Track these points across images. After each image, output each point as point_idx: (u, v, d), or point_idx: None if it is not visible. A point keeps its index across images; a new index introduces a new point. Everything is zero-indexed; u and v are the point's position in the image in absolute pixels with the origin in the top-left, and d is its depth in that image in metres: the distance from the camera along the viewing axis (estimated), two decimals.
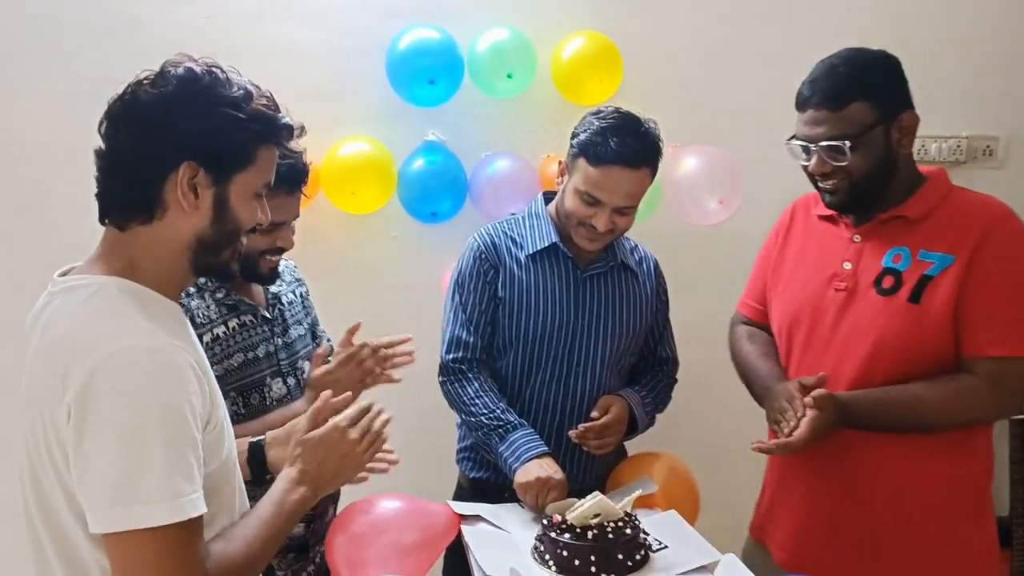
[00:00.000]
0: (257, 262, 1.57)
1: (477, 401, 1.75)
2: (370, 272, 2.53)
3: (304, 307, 1.80)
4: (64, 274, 1.13)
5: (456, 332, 1.80)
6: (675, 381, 1.95)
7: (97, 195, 1.13)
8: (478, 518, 1.62)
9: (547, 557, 1.44)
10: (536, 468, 1.64)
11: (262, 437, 1.46)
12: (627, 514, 1.49)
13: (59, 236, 2.04)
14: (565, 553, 1.41)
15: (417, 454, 2.20)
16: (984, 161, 2.65)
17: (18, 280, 1.89)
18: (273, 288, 1.69)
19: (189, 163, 1.08)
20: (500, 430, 1.72)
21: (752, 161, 2.43)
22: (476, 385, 1.77)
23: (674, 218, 2.47)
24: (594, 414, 1.76)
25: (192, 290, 1.55)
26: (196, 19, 2.35)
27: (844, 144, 1.49)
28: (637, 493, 1.57)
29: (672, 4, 2.53)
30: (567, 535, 1.43)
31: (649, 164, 1.70)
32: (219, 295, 1.58)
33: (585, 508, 1.45)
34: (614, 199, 1.68)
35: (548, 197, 1.88)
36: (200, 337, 1.50)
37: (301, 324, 1.76)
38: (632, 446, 1.93)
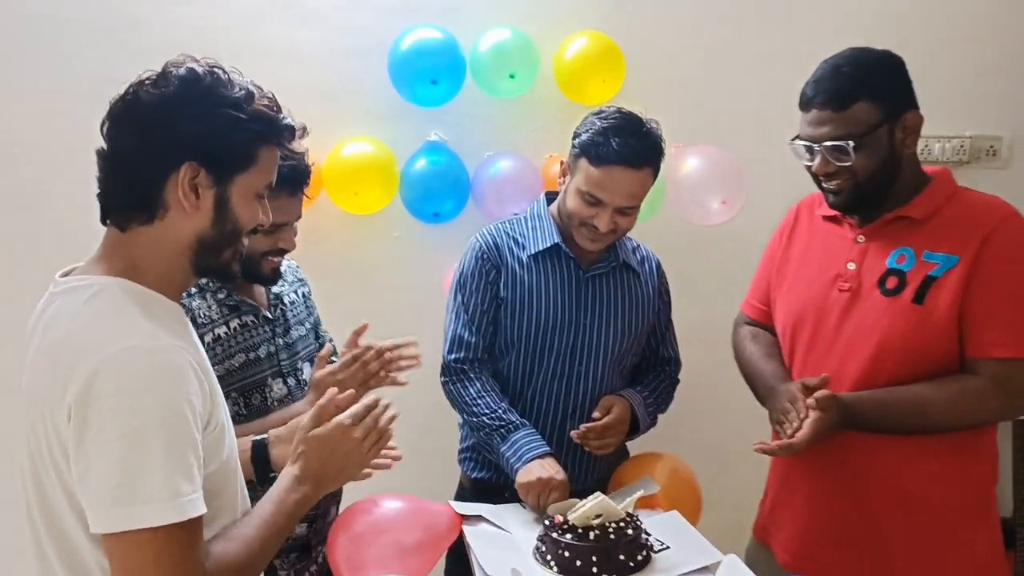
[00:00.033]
0: (259, 263, 1.57)
1: (479, 401, 1.75)
2: (372, 272, 2.53)
3: (306, 307, 1.80)
4: (66, 275, 1.13)
5: (458, 332, 1.80)
6: (677, 381, 1.95)
7: (98, 195, 1.13)
8: (480, 518, 1.62)
9: (548, 558, 1.44)
10: (538, 468, 1.64)
11: (265, 436, 1.46)
12: (629, 515, 1.48)
13: (59, 236, 2.05)
14: (566, 554, 1.41)
15: (419, 454, 2.20)
16: (987, 161, 2.65)
17: (18, 280, 1.90)
18: (275, 288, 1.69)
19: (190, 163, 1.08)
20: (502, 430, 1.72)
21: (755, 161, 2.43)
22: (478, 385, 1.77)
23: (677, 218, 2.47)
24: (596, 414, 1.76)
25: (194, 290, 1.55)
26: (197, 19, 2.35)
27: (848, 144, 1.49)
28: (639, 493, 1.57)
29: (674, 4, 2.53)
30: (569, 535, 1.43)
31: (651, 164, 1.70)
32: (220, 295, 1.58)
33: (587, 508, 1.45)
34: (616, 199, 1.68)
35: (550, 197, 1.88)
36: (201, 337, 1.50)
37: (303, 324, 1.76)
38: (634, 446, 1.93)
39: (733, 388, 1.87)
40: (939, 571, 1.55)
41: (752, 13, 2.55)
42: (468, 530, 1.57)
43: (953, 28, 2.57)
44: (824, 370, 1.56)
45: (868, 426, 1.52)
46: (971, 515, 1.56)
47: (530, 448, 1.68)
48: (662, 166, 1.76)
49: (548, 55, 2.44)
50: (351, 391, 1.34)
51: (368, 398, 1.28)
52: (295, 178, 1.53)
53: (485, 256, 1.81)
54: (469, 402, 1.76)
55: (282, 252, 1.60)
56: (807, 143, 1.55)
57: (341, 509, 1.64)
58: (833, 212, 1.64)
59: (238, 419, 1.56)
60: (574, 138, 1.74)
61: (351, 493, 1.63)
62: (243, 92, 1.11)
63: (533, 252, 1.80)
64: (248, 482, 1.32)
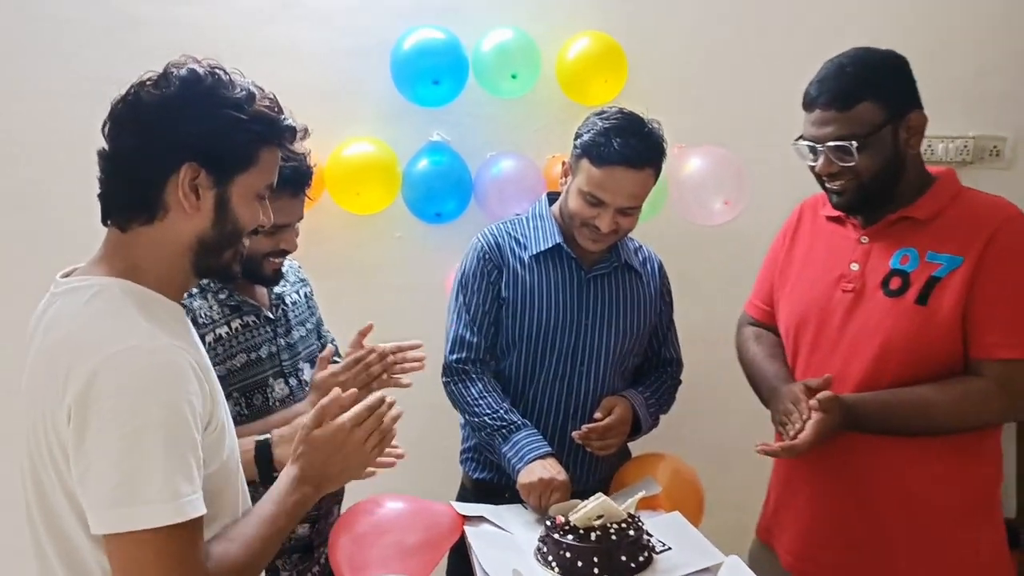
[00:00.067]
0: (261, 264, 1.57)
1: (481, 401, 1.75)
2: (374, 272, 2.53)
3: (308, 307, 1.80)
4: (67, 275, 1.13)
5: (460, 332, 1.80)
6: (679, 382, 1.95)
7: (99, 196, 1.13)
8: (481, 519, 1.62)
9: (550, 558, 1.44)
10: (539, 469, 1.64)
11: (268, 435, 1.46)
12: (630, 515, 1.48)
13: (59, 236, 2.05)
14: (568, 554, 1.40)
15: (421, 454, 2.20)
16: (991, 161, 2.64)
17: (18, 280, 1.90)
18: (277, 289, 1.69)
19: (190, 164, 1.08)
20: (504, 430, 1.71)
21: (757, 161, 2.42)
22: (480, 386, 1.77)
23: (679, 219, 2.46)
24: (597, 415, 1.75)
25: (195, 291, 1.55)
26: (198, 19, 2.35)
27: (851, 144, 1.49)
28: (640, 494, 1.57)
29: (677, 5, 2.53)
30: (570, 536, 1.43)
31: (652, 164, 1.70)
32: (222, 296, 1.58)
33: (588, 509, 1.45)
34: (617, 200, 1.68)
35: (552, 198, 1.88)
36: (203, 338, 1.51)
37: (304, 325, 1.76)
38: (636, 447, 1.93)
39: (735, 389, 1.87)
40: (943, 573, 1.55)
41: (755, 14, 2.55)
42: (469, 531, 1.57)
43: (957, 28, 2.57)
44: (827, 371, 1.55)
45: (871, 427, 1.51)
46: (975, 516, 1.56)
47: (532, 448, 1.68)
48: (664, 166, 1.76)
49: (550, 55, 2.44)
50: (354, 390, 1.33)
51: (373, 397, 1.27)
52: (297, 179, 1.53)
53: (487, 256, 1.81)
54: (471, 402, 1.76)
55: (284, 253, 1.60)
56: (811, 143, 1.55)
57: (343, 509, 1.64)
58: (837, 212, 1.63)
59: (239, 419, 1.56)
60: (576, 138, 1.74)
61: (353, 493, 1.63)
62: (244, 93, 1.11)
63: (535, 252, 1.80)
64: (251, 482, 1.32)
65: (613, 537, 1.42)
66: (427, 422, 2.14)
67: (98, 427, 0.99)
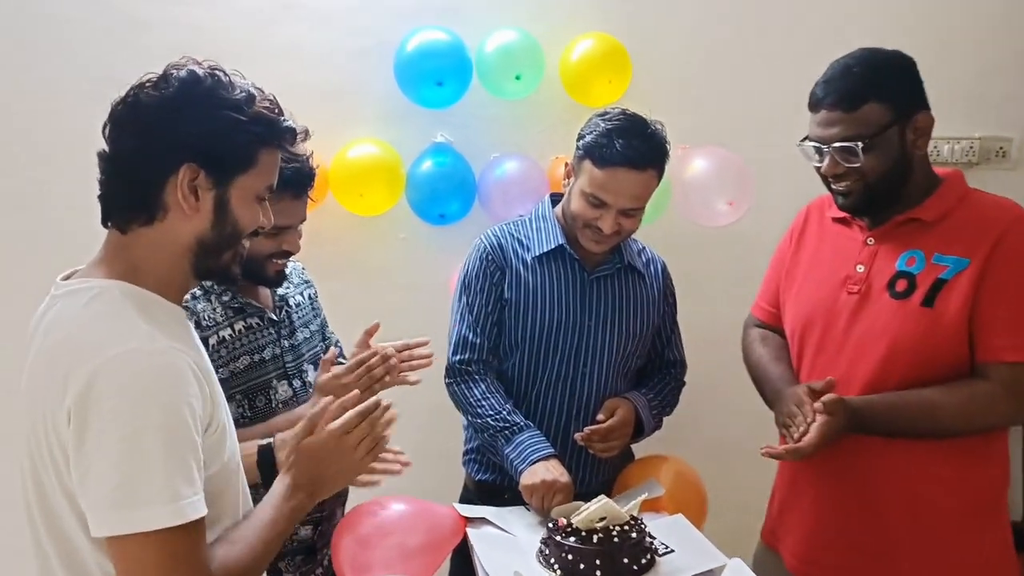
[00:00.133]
0: (263, 266, 1.57)
1: (483, 403, 1.75)
2: (378, 274, 2.53)
3: (313, 309, 1.80)
4: (67, 277, 1.14)
5: (462, 333, 1.80)
6: (683, 384, 1.94)
7: (99, 197, 1.13)
8: (484, 521, 1.62)
9: (552, 560, 1.43)
10: (542, 470, 1.64)
11: (271, 440, 1.46)
12: (633, 518, 1.48)
13: (60, 236, 2.05)
14: (570, 557, 1.40)
15: (423, 456, 2.19)
16: (997, 162, 2.63)
17: (18, 280, 1.90)
18: (280, 290, 1.69)
19: (189, 165, 1.08)
20: (506, 432, 1.71)
21: (762, 162, 2.42)
22: (483, 387, 1.76)
23: (683, 220, 2.46)
24: (600, 416, 1.75)
25: (199, 293, 1.56)
26: (202, 20, 2.36)
27: (857, 145, 1.48)
28: (643, 496, 1.56)
29: (680, 5, 2.52)
30: (572, 538, 1.42)
31: (655, 166, 1.70)
32: (225, 298, 1.58)
33: (591, 511, 1.44)
34: (620, 201, 1.68)
35: (555, 199, 1.88)
36: (206, 340, 1.51)
37: (308, 326, 1.76)
38: (640, 449, 1.92)
39: (739, 390, 1.86)
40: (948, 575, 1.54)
41: (759, 14, 2.54)
42: (472, 532, 1.57)
43: (958, 28, 2.56)
44: (833, 373, 1.54)
45: (877, 430, 1.51)
46: (981, 519, 1.55)
47: (535, 450, 1.68)
48: (668, 167, 1.76)
49: (554, 56, 2.44)
50: (356, 392, 1.33)
51: (365, 403, 1.27)
52: (299, 181, 1.53)
53: (489, 257, 1.81)
54: (473, 404, 1.76)
55: (287, 254, 1.60)
56: (816, 144, 1.54)
57: (347, 511, 1.64)
58: (843, 214, 1.63)
59: (243, 421, 1.56)
60: (578, 140, 1.73)
61: (357, 495, 1.63)
62: (244, 94, 1.11)
63: (537, 254, 1.80)
64: (253, 485, 1.32)
65: (615, 539, 1.41)
66: (430, 423, 2.14)
67: (98, 429, 0.99)
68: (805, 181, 1.72)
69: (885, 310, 1.52)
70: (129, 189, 1.10)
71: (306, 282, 1.83)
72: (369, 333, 1.68)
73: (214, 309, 1.56)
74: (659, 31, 2.52)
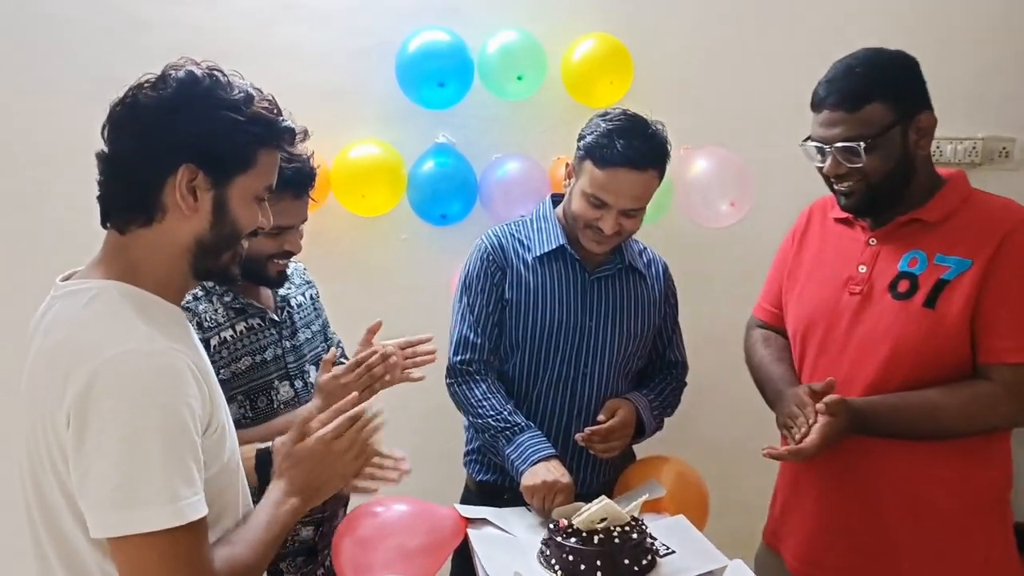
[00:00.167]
0: (265, 266, 1.57)
1: (484, 403, 1.74)
2: (380, 274, 2.53)
3: (314, 309, 1.80)
4: (67, 278, 1.14)
5: (463, 334, 1.80)
6: (684, 384, 1.94)
7: (98, 198, 1.13)
8: (484, 521, 1.61)
9: (553, 561, 1.43)
10: (543, 471, 1.64)
11: (269, 444, 1.46)
12: (634, 519, 1.47)
13: (60, 237, 2.05)
14: (571, 558, 1.40)
15: (424, 456, 2.19)
16: (1000, 163, 2.63)
17: (18, 280, 1.91)
18: (282, 291, 1.69)
19: (188, 165, 1.08)
20: (507, 432, 1.71)
21: (763, 163, 2.42)
22: (483, 387, 1.76)
23: (685, 220, 2.46)
24: (600, 417, 1.75)
25: (200, 293, 1.56)
26: (204, 21, 2.36)
27: (859, 145, 1.48)
28: (644, 497, 1.56)
29: (682, 6, 2.52)
30: (573, 539, 1.42)
31: (656, 166, 1.69)
32: (227, 299, 1.58)
33: (591, 512, 1.44)
34: (620, 201, 1.68)
35: (556, 199, 1.88)
36: (207, 341, 1.51)
37: (310, 327, 1.76)
38: (642, 449, 1.92)
39: (741, 391, 1.86)
40: None
41: (761, 15, 2.54)
42: (472, 533, 1.57)
43: (964, 28, 2.55)
44: (835, 374, 1.54)
45: (879, 431, 1.50)
46: (983, 521, 1.54)
47: (535, 450, 1.68)
48: (670, 168, 1.76)
49: (556, 57, 2.44)
50: (355, 394, 1.34)
51: (354, 410, 1.28)
52: (299, 181, 1.53)
53: (490, 258, 1.80)
54: (474, 404, 1.76)
55: (288, 255, 1.60)
56: (818, 144, 1.54)
57: (348, 512, 1.64)
58: (845, 214, 1.62)
59: (244, 422, 1.56)
60: (579, 140, 1.73)
61: (357, 497, 1.63)
62: (242, 95, 1.11)
63: (538, 254, 1.80)
64: (253, 488, 1.32)
65: (616, 540, 1.41)
66: (431, 424, 2.14)
67: (97, 430, 0.99)
68: (806, 181, 1.72)
69: (887, 311, 1.52)
70: (128, 190, 1.10)
71: (308, 282, 1.83)
72: (372, 331, 1.68)
73: (215, 310, 1.56)
74: (660, 31, 2.52)
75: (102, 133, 1.11)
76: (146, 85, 1.09)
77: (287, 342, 1.66)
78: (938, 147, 2.56)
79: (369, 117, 2.46)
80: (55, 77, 2.33)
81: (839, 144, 1.50)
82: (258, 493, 1.27)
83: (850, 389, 1.53)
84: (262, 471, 1.43)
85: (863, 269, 1.57)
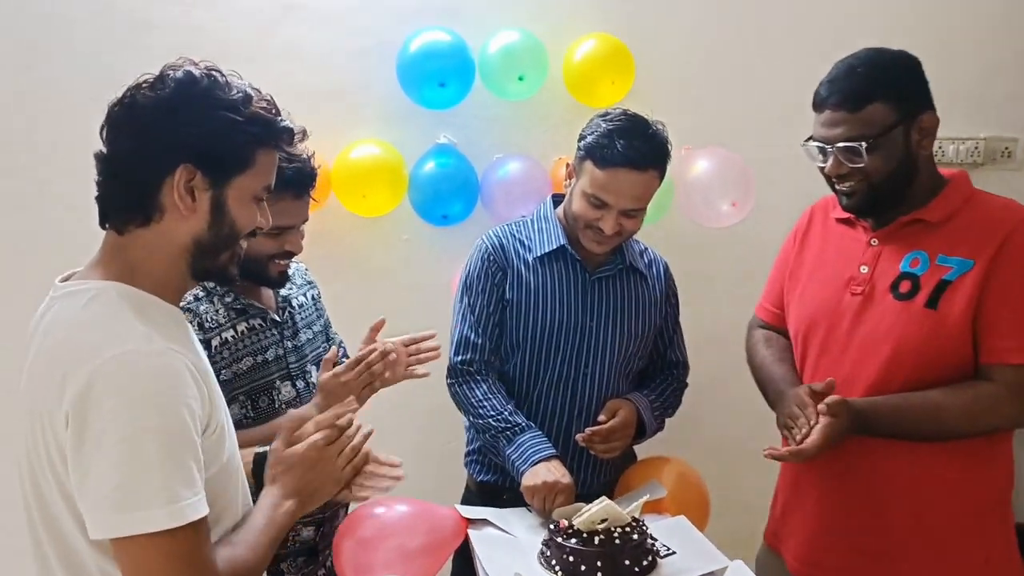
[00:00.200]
0: (266, 266, 1.57)
1: (485, 403, 1.74)
2: (381, 275, 2.53)
3: (316, 310, 1.80)
4: (66, 279, 1.14)
5: (464, 334, 1.80)
6: (685, 385, 1.94)
7: (97, 198, 1.13)
8: (485, 522, 1.61)
9: (553, 562, 1.43)
10: (544, 472, 1.63)
11: (267, 448, 1.46)
12: (635, 519, 1.47)
13: (60, 237, 2.06)
14: (571, 558, 1.40)
15: (425, 456, 2.20)
16: (1002, 163, 2.62)
17: (18, 281, 1.91)
18: (283, 291, 1.70)
19: (186, 166, 1.08)
20: (508, 432, 1.71)
21: (765, 163, 2.41)
22: (484, 387, 1.76)
23: (686, 220, 2.45)
24: (601, 418, 1.75)
25: (201, 294, 1.56)
26: (205, 21, 2.35)
27: (860, 145, 1.47)
28: (645, 498, 1.56)
29: (684, 6, 2.52)
30: (573, 540, 1.42)
31: (656, 166, 1.69)
32: (228, 299, 1.58)
33: (592, 513, 1.44)
34: (621, 201, 1.67)
35: (557, 200, 1.88)
36: (209, 341, 1.52)
37: (312, 327, 1.76)
38: (643, 450, 1.92)
39: (743, 391, 1.86)
40: None
41: (763, 15, 2.54)
42: (473, 534, 1.57)
43: (965, 28, 2.55)
44: (837, 374, 1.54)
45: (881, 431, 1.50)
46: (985, 522, 1.54)
47: (536, 451, 1.68)
48: (671, 168, 1.75)
49: (557, 57, 2.44)
50: (353, 400, 1.34)
51: (344, 418, 1.28)
52: (300, 181, 1.53)
53: (491, 258, 1.80)
54: (475, 404, 1.75)
55: (289, 255, 1.60)
56: (820, 144, 1.54)
57: (349, 512, 1.64)
58: (847, 215, 1.62)
59: (246, 422, 1.56)
60: (579, 140, 1.73)
61: None
62: (240, 95, 1.11)
63: (539, 254, 1.80)
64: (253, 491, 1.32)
65: (617, 541, 1.41)
66: (431, 424, 2.14)
67: (97, 431, 0.99)
68: (808, 182, 1.71)
69: (889, 311, 1.52)
70: (126, 190, 1.10)
71: (309, 283, 1.83)
72: (375, 329, 1.69)
73: (217, 311, 1.56)
74: (662, 32, 2.52)
75: (100, 133, 1.11)
76: (144, 85, 1.09)
77: (288, 342, 1.66)
78: (940, 147, 2.55)
79: (370, 117, 2.46)
80: (56, 77, 2.33)
81: (841, 144, 1.49)
82: (256, 496, 1.27)
83: (851, 389, 1.53)
84: (260, 474, 1.43)
85: (865, 269, 1.57)
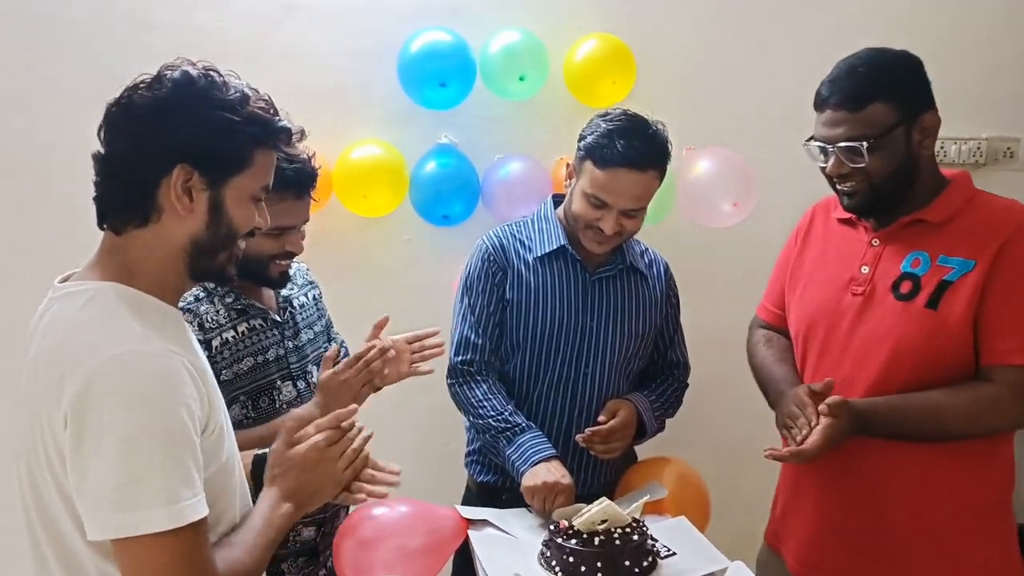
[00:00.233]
0: (267, 266, 1.57)
1: (485, 404, 1.74)
2: (382, 275, 2.53)
3: (317, 310, 1.80)
4: (65, 279, 1.14)
5: (464, 334, 1.80)
6: (686, 385, 1.93)
7: (95, 199, 1.13)
8: (485, 523, 1.61)
9: (553, 563, 1.43)
10: (544, 472, 1.63)
11: (266, 450, 1.46)
12: (635, 520, 1.47)
13: (60, 237, 2.05)
14: (571, 559, 1.40)
15: (426, 457, 2.20)
16: (1005, 163, 2.62)
17: (18, 281, 1.90)
18: (284, 291, 1.70)
19: (183, 166, 1.08)
20: (508, 432, 1.71)
21: (766, 163, 2.41)
22: (484, 388, 1.76)
23: (687, 220, 2.45)
24: (601, 418, 1.75)
25: (202, 294, 1.56)
26: (206, 22, 2.35)
27: (861, 145, 1.47)
28: (646, 498, 1.56)
29: (685, 6, 2.52)
30: (573, 541, 1.42)
31: (656, 166, 1.69)
32: (228, 299, 1.58)
33: (592, 514, 1.44)
34: (621, 202, 1.67)
35: (557, 200, 1.88)
36: (209, 342, 1.52)
37: (313, 327, 1.76)
38: (644, 450, 1.92)
39: (743, 391, 1.86)
40: None
41: (764, 15, 2.54)
42: (473, 535, 1.57)
43: (966, 28, 2.55)
44: (837, 375, 1.54)
45: (882, 432, 1.50)
46: (986, 522, 1.54)
47: (536, 451, 1.67)
48: (672, 168, 1.75)
49: (558, 57, 2.43)
50: (354, 406, 1.34)
51: (346, 422, 1.28)
52: (300, 181, 1.53)
53: (491, 258, 1.80)
54: (475, 404, 1.75)
55: (290, 255, 1.60)
56: (821, 144, 1.53)
57: (349, 513, 1.64)
58: (848, 215, 1.62)
59: (247, 423, 1.57)
60: (579, 140, 1.73)
61: None
62: (238, 95, 1.11)
63: (539, 254, 1.80)
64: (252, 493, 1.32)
65: (617, 542, 1.41)
66: (431, 425, 2.13)
67: (95, 432, 0.99)
68: (809, 182, 1.71)
69: (889, 312, 1.51)
70: (123, 190, 1.10)
71: (310, 283, 1.83)
72: (379, 327, 1.69)
73: (217, 311, 1.56)
74: (663, 32, 2.51)
75: (98, 134, 1.11)
76: (141, 85, 1.09)
77: (289, 342, 1.66)
78: (942, 147, 2.55)
79: (371, 118, 2.45)
80: (56, 77, 2.33)
81: (842, 144, 1.49)
82: (255, 498, 1.27)
83: (852, 390, 1.52)
84: (259, 476, 1.43)
85: (865, 270, 1.57)
